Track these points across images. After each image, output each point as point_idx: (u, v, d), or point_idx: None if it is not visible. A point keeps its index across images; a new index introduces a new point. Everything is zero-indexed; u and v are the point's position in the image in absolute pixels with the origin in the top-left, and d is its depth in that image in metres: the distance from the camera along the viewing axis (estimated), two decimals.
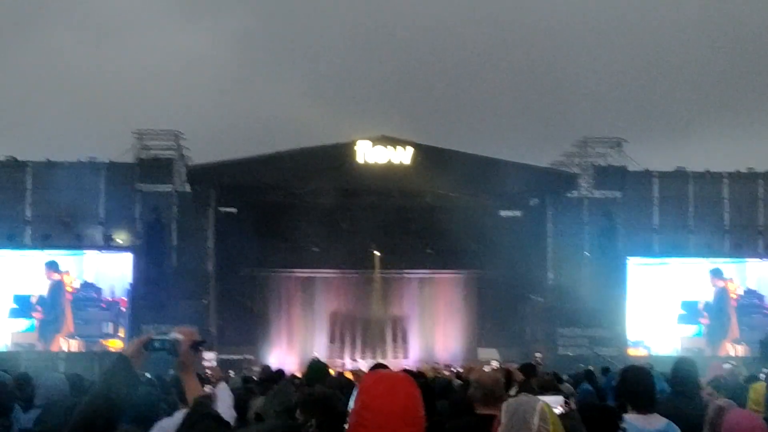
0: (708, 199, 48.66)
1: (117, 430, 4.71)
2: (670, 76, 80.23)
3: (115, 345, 41.32)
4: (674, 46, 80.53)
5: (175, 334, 4.87)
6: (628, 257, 46.19)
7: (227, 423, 4.96)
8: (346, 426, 4.31)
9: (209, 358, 39.59)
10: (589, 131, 49.16)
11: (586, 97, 77.04)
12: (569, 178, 47.38)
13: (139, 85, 79.23)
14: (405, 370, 7.55)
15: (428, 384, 10.13)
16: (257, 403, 8.86)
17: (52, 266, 42.63)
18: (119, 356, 4.75)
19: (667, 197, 48.40)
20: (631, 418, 7.18)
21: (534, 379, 11.70)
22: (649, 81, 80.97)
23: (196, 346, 4.90)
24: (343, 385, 6.35)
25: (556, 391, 11.01)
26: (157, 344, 4.90)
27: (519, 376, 11.28)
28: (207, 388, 9.91)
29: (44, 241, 43.83)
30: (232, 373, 32.33)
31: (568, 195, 47.64)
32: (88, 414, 4.56)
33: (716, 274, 45.09)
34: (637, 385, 7.33)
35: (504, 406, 4.51)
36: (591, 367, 27.80)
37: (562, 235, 47.26)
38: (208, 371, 16.20)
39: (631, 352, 44.58)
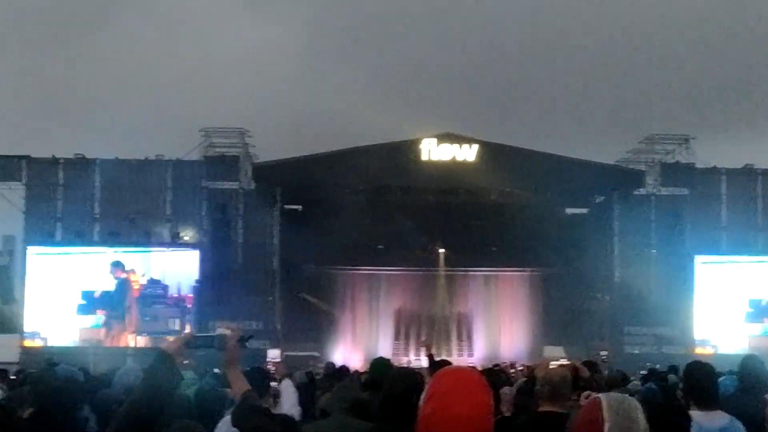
0: None
1: (171, 425, 4.73)
2: (739, 71, 79.31)
3: None
4: (742, 42, 79.60)
5: (222, 330, 4.86)
6: (695, 255, 45.77)
7: (275, 416, 4.96)
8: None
9: (273, 355, 39.78)
10: (656, 128, 48.75)
11: (653, 94, 76.44)
12: (636, 176, 46.99)
13: (206, 82, 79.82)
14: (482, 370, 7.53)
15: (495, 381, 10.10)
16: (322, 399, 8.88)
17: (118, 265, 43.13)
18: (161, 353, 4.75)
19: (735, 194, 47.74)
20: (693, 415, 7.10)
21: (597, 376, 11.59)
22: (718, 77, 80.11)
23: (243, 341, 4.89)
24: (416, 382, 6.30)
25: (622, 390, 10.93)
26: (200, 341, 4.90)
27: (586, 373, 11.17)
28: (272, 385, 9.99)
29: (112, 239, 44.31)
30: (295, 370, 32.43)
31: (635, 192, 47.25)
32: (131, 411, 4.57)
33: None
34: (699, 382, 7.25)
35: (604, 403, 4.32)
36: (657, 366, 27.56)
37: (628, 233, 46.92)
38: (272, 368, 16.26)
39: (698, 350, 44.13)
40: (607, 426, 4.18)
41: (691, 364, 7.77)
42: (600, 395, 4.42)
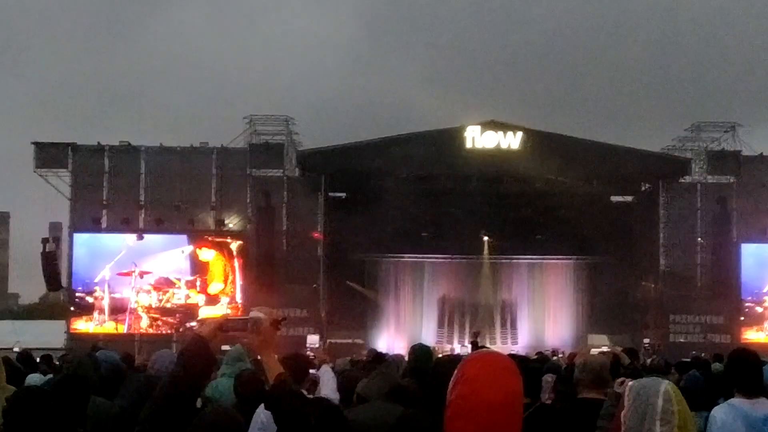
0: None
1: (204, 408, 4.73)
2: None
3: None
4: None
5: (256, 312, 4.84)
6: (741, 243, 45.50)
7: (309, 400, 4.94)
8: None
9: (312, 341, 39.89)
10: (703, 116, 48.37)
11: (700, 82, 75.95)
12: (682, 164, 46.68)
13: (252, 70, 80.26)
14: (511, 355, 7.50)
15: (537, 368, 10.04)
16: (360, 385, 8.87)
17: None
18: (195, 337, 4.75)
19: None
20: (736, 402, 7.05)
21: (637, 363, 11.53)
22: (764, 64, 79.43)
23: (277, 324, 4.86)
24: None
25: (663, 376, 10.85)
26: (233, 324, 4.89)
27: (626, 360, 11.13)
28: (312, 372, 10.00)
29: (158, 226, 44.67)
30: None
31: (681, 180, 46.95)
32: (165, 395, 4.58)
33: None
34: (744, 369, 7.19)
35: (626, 389, 4.38)
36: (702, 354, 27.39)
37: (674, 221, 46.65)
38: (311, 354, 16.27)
39: (746, 339, 43.89)
40: (624, 410, 4.26)
41: (735, 351, 7.71)
42: (632, 383, 4.44)
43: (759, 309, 45.17)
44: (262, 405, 7.70)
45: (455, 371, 4.12)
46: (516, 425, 4.01)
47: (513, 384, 4.03)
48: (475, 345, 16.14)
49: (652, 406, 4.28)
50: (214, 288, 44.61)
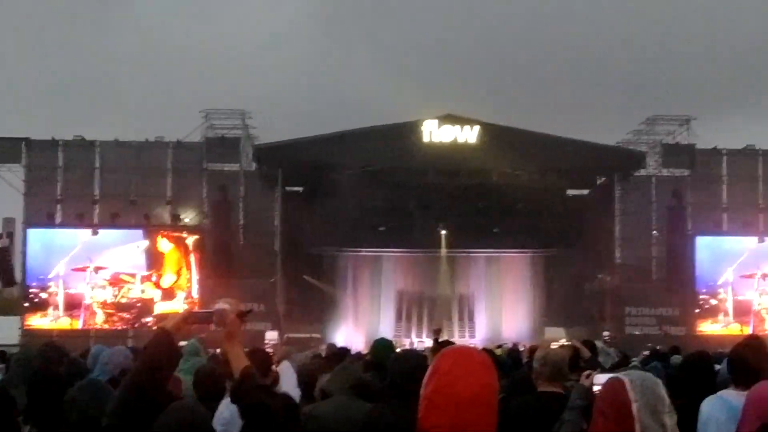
0: None
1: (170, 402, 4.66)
2: (740, 52, 79.22)
3: None
4: (742, 24, 79.50)
5: (221, 305, 4.78)
6: (696, 236, 45.84)
7: (274, 393, 4.88)
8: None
9: (271, 337, 39.73)
10: (658, 109, 48.63)
11: (654, 75, 76.38)
12: (637, 157, 46.94)
13: (208, 64, 79.83)
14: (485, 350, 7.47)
15: (498, 361, 10.04)
16: (323, 380, 8.82)
17: None
18: (159, 330, 4.69)
19: (736, 175, 47.71)
20: (729, 394, 7.04)
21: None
22: (718, 58, 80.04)
23: (243, 316, 4.80)
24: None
25: (623, 370, 10.87)
26: (199, 317, 4.83)
27: (586, 353, 11.15)
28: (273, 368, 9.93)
29: (112, 221, 44.36)
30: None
31: (636, 173, 47.21)
32: (131, 389, 4.52)
33: None
34: (743, 360, 7.17)
35: (628, 384, 4.26)
36: (659, 347, 27.55)
37: (629, 214, 46.94)
38: (270, 350, 16.17)
39: (701, 331, 44.33)
40: (635, 406, 4.13)
41: (741, 342, 7.67)
42: (619, 376, 4.36)
43: (713, 301, 45.50)
44: (224, 401, 7.63)
45: (430, 366, 4.08)
46: (491, 419, 3.98)
47: (487, 378, 4.00)
48: (436, 341, 16.08)
49: (662, 399, 4.21)
50: (167, 280, 44.33)
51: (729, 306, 45.39)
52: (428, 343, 39.99)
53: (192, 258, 44.60)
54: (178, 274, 44.54)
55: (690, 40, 79.02)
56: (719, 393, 7.15)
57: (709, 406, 7.03)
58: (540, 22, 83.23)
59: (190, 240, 44.78)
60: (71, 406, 6.13)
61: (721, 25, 79.21)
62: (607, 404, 4.27)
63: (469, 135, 45.08)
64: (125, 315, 44.13)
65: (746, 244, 45.50)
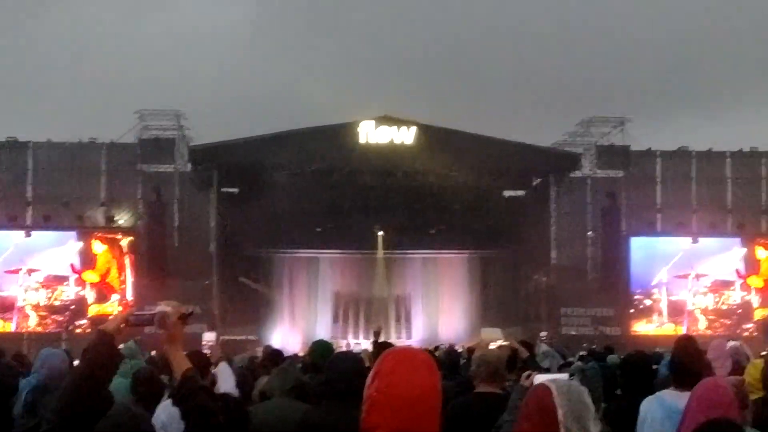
0: (711, 179, 48.47)
1: (111, 405, 4.60)
2: (673, 55, 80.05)
3: None
4: (677, 25, 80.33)
5: (162, 307, 4.72)
6: (630, 236, 46.26)
7: (217, 395, 4.83)
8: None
9: (209, 338, 39.56)
10: (593, 111, 48.92)
11: (589, 77, 76.92)
12: (572, 158, 47.24)
13: (143, 63, 79.08)
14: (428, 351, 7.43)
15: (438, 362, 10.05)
16: (261, 382, 8.78)
17: None
18: (100, 333, 4.62)
19: (670, 176, 48.25)
20: (667, 394, 7.08)
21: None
22: (652, 60, 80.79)
23: (184, 318, 4.75)
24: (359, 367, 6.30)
25: (566, 370, 10.92)
26: (140, 319, 4.78)
27: (524, 354, 11.17)
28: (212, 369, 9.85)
29: (46, 222, 43.88)
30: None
31: (572, 175, 47.52)
32: (72, 392, 4.45)
33: None
34: (686, 359, 7.21)
35: (554, 391, 4.27)
36: (595, 347, 27.75)
37: (565, 215, 47.28)
38: (208, 351, 16.06)
39: (635, 331, 44.78)
40: (561, 412, 4.14)
41: (678, 340, 7.73)
42: (545, 383, 4.37)
43: (648, 301, 45.95)
44: (162, 404, 7.55)
45: (373, 367, 4.05)
46: (434, 419, 3.95)
47: (430, 378, 3.98)
48: (376, 343, 16.06)
49: (587, 407, 4.22)
50: (90, 278, 43.84)
51: (663, 306, 45.86)
52: (365, 344, 40.06)
53: (126, 260, 44.23)
54: (104, 275, 44.03)
55: (624, 42, 79.67)
56: (657, 393, 7.22)
57: (647, 405, 7.11)
58: (476, 24, 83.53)
59: (125, 242, 44.43)
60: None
61: (655, 27, 79.96)
62: (532, 410, 4.29)
63: (405, 136, 45.10)
64: (58, 317, 43.64)
65: (680, 244, 45.97)
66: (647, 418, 7.03)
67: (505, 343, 14.99)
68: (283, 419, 7.12)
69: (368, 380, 3.99)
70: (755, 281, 46.07)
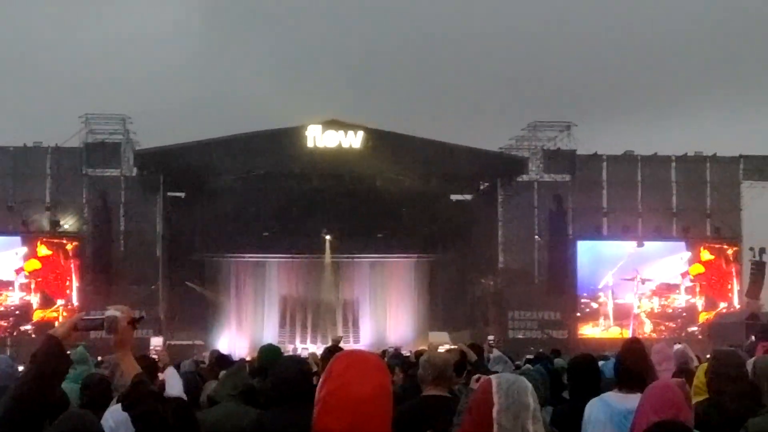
0: (656, 182, 48.86)
1: (66, 411, 4.55)
2: (619, 60, 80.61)
3: None
4: (621, 31, 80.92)
5: (112, 311, 4.68)
6: (577, 240, 46.53)
7: (167, 399, 4.80)
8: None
9: (156, 343, 39.33)
10: (539, 115, 49.19)
11: (536, 82, 77.29)
12: (519, 162, 47.45)
13: (89, 67, 78.41)
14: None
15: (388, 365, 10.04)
16: (209, 387, 8.72)
17: None
18: (49, 337, 4.57)
19: (616, 180, 48.59)
20: (610, 395, 7.11)
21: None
22: (598, 65, 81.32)
23: (134, 323, 4.72)
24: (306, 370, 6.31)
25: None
26: (89, 323, 4.73)
27: (473, 357, 11.19)
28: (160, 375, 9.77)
29: None
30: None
31: (519, 179, 47.71)
32: (20, 397, 4.39)
33: None
34: (629, 362, 7.25)
35: (494, 386, 4.28)
36: (542, 350, 27.87)
37: (512, 219, 47.42)
38: (156, 356, 15.94)
39: (582, 334, 45.05)
40: (495, 408, 4.15)
41: (625, 343, 7.78)
42: (492, 377, 4.37)
43: (594, 305, 46.28)
44: (110, 409, 7.48)
45: (325, 369, 4.06)
46: (385, 419, 3.96)
47: (381, 378, 3.99)
48: (327, 348, 16.04)
49: (525, 406, 4.22)
50: (47, 288, 43.45)
51: (609, 309, 46.19)
52: (312, 348, 40.01)
53: (72, 265, 43.87)
54: (58, 281, 43.74)
55: (570, 47, 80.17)
56: (602, 395, 7.25)
57: (591, 407, 7.14)
58: (423, 28, 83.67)
59: (70, 246, 44.06)
60: None
61: (600, 32, 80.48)
62: (474, 403, 4.31)
63: (353, 140, 45.13)
64: (3, 323, 43.23)
65: (626, 248, 46.32)
66: (591, 420, 7.06)
67: (454, 347, 15.02)
68: (232, 423, 7.10)
69: (320, 383, 4.00)
70: (697, 268, 46.71)
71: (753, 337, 30.30)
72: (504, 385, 4.24)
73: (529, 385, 4.33)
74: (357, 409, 3.87)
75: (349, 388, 3.89)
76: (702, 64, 79.97)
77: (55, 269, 43.84)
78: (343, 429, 3.85)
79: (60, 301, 43.46)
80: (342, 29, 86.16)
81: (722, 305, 46.92)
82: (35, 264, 43.44)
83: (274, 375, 6.75)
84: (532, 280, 47.52)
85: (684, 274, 46.65)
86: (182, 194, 48.54)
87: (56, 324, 4.88)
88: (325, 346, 18.47)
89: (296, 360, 7.24)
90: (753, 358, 8.09)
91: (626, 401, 6.82)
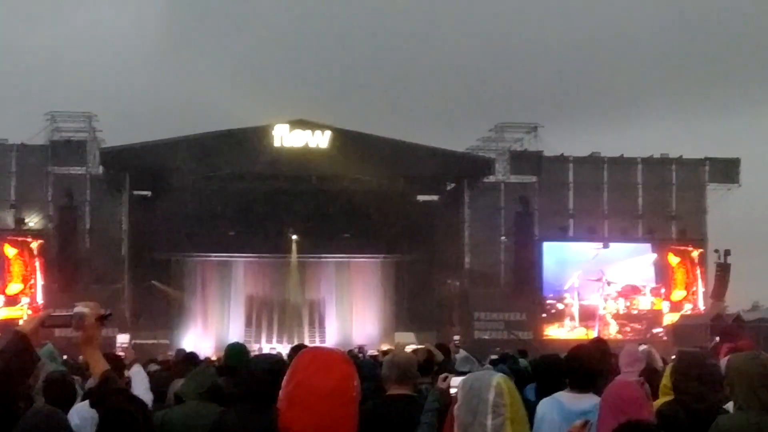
0: (622, 184, 49.12)
1: (32, 407, 4.52)
2: (585, 62, 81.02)
3: None
4: (588, 34, 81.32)
5: (80, 308, 4.66)
6: (543, 241, 46.70)
7: (136, 397, 4.79)
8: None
9: (123, 340, 39.15)
10: (506, 117, 49.39)
11: (502, 83, 77.56)
12: (486, 163, 47.56)
13: (54, 64, 78.06)
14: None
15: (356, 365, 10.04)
16: (176, 385, 8.69)
17: None
18: (16, 333, 4.55)
19: (582, 182, 48.81)
20: (562, 395, 7.14)
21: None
22: (564, 67, 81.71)
23: (102, 320, 4.70)
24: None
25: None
26: (57, 320, 4.72)
27: (440, 357, 11.23)
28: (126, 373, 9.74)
29: None
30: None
31: (485, 180, 47.82)
32: None
33: None
34: (577, 364, 7.29)
35: (460, 382, 4.37)
36: (509, 351, 27.91)
37: (478, 220, 47.53)
38: (122, 353, 15.88)
39: (547, 335, 45.20)
40: (456, 405, 4.25)
41: (573, 348, 7.81)
42: (466, 375, 4.44)
43: (560, 306, 46.46)
44: (75, 406, 7.45)
45: (290, 365, 4.07)
46: (350, 411, 4.00)
47: (345, 370, 4.03)
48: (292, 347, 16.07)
49: (484, 401, 4.27)
50: (13, 289, 43.27)
51: (575, 311, 46.40)
52: (279, 348, 39.96)
53: (36, 263, 43.61)
54: (25, 282, 43.46)
55: (536, 48, 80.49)
56: (554, 395, 7.28)
57: (543, 406, 7.17)
58: (391, 29, 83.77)
59: (35, 245, 43.80)
60: None
61: (566, 34, 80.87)
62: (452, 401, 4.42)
63: (320, 140, 45.13)
64: None
65: (591, 249, 46.50)
66: (545, 419, 7.08)
67: (421, 347, 15.05)
68: (196, 422, 7.09)
69: (285, 379, 4.01)
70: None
71: (717, 338, 30.48)
72: (468, 382, 4.33)
73: (498, 381, 4.37)
74: (321, 401, 3.91)
75: (314, 380, 3.93)
76: (669, 67, 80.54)
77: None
78: (310, 422, 3.87)
79: (24, 300, 43.18)
80: (311, 29, 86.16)
81: (687, 307, 47.22)
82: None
83: (245, 372, 6.74)
84: (497, 281, 47.66)
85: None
86: (148, 193, 48.35)
87: (20, 322, 4.86)
88: (291, 345, 18.54)
89: (270, 358, 7.19)
90: (726, 357, 8.14)
91: (579, 402, 6.87)
